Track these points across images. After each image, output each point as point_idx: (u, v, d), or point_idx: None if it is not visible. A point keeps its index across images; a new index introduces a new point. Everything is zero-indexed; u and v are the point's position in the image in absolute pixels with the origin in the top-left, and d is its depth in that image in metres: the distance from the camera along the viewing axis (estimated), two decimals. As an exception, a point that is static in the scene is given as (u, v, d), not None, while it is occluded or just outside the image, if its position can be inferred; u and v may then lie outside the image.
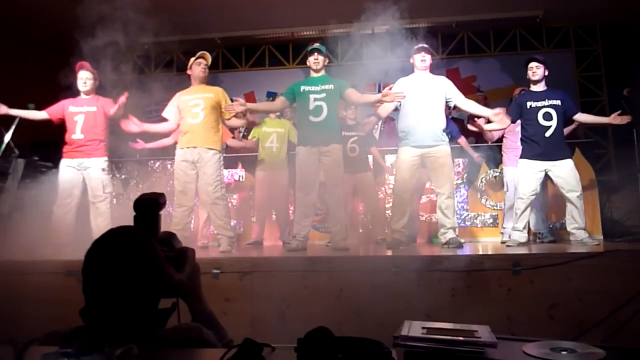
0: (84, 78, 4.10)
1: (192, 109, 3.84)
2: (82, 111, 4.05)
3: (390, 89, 3.56)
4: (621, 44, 6.86)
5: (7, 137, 4.21)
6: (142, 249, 1.06)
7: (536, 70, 3.85)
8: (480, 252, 3.42)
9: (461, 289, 2.67)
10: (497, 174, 4.97)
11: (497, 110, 3.76)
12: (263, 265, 2.78)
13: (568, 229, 3.83)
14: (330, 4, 6.21)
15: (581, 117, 3.95)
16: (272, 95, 5.42)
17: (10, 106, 4.09)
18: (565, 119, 3.89)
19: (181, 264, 1.17)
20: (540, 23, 6.97)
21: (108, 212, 4.04)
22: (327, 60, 3.95)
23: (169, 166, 5.42)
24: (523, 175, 3.84)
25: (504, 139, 4.70)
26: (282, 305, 2.68)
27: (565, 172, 3.74)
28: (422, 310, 2.60)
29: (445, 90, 3.83)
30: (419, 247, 4.13)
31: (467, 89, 6.98)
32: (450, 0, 5.89)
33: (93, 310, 1.03)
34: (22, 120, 4.17)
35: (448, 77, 6.50)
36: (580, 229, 3.75)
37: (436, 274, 2.71)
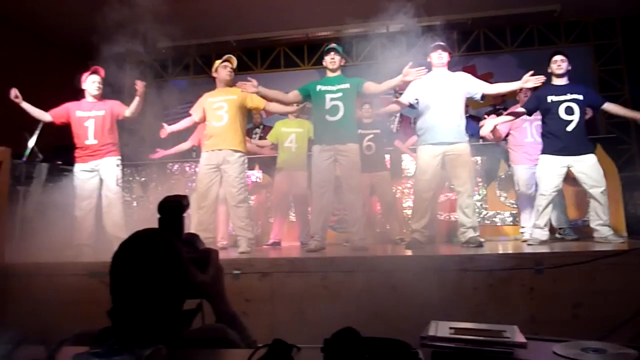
0: (97, 81, 4.16)
1: (216, 111, 3.88)
2: (91, 116, 4.11)
3: (411, 67, 3.52)
4: (642, 37, 6.71)
5: (32, 142, 4.32)
6: (167, 251, 1.08)
7: (561, 64, 3.79)
8: (501, 251, 3.38)
9: (483, 289, 2.64)
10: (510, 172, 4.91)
11: (526, 76, 3.66)
12: (282, 266, 2.79)
13: (592, 225, 3.75)
14: (345, 4, 6.21)
15: (609, 106, 3.84)
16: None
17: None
18: (591, 111, 3.82)
19: (205, 265, 1.18)
20: (557, 17, 6.86)
21: (121, 207, 4.11)
22: (344, 61, 3.95)
23: (187, 169, 5.48)
24: (545, 172, 3.77)
25: (509, 137, 4.61)
26: (301, 305, 2.68)
27: (588, 168, 3.67)
28: (444, 311, 2.57)
29: (466, 86, 3.79)
30: (438, 246, 4.09)
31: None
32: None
33: (121, 311, 1.05)
34: (46, 126, 4.27)
35: (465, 74, 6.48)
36: (605, 225, 3.68)
37: (457, 274, 2.68)
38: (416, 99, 3.81)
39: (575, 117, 3.71)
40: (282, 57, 7.74)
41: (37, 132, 4.28)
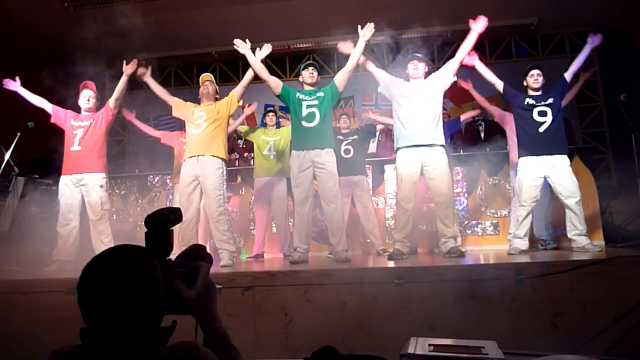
0: (87, 96, 4.19)
1: (196, 120, 3.91)
2: (81, 125, 4.12)
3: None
4: (616, 49, 6.91)
5: (7, 155, 4.23)
6: (136, 268, 1.05)
7: (537, 78, 3.91)
8: (482, 261, 3.41)
9: (464, 299, 2.65)
10: (497, 181, 4.97)
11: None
12: (265, 279, 2.77)
13: (569, 235, 3.83)
14: (326, 16, 6.26)
15: (568, 74, 3.97)
16: (270, 107, 5.42)
17: (12, 124, 4.12)
18: (564, 94, 3.99)
19: (193, 280, 1.16)
20: (534, 30, 7.03)
21: (109, 230, 4.05)
22: (319, 77, 4.07)
23: (168, 181, 5.42)
24: (523, 178, 3.85)
25: (509, 140, 4.67)
26: (284, 320, 2.66)
27: (563, 178, 3.75)
28: (425, 322, 2.58)
29: (441, 82, 3.87)
30: (420, 257, 4.11)
31: (464, 97, 7.02)
32: (445, 9, 5.94)
33: (91, 330, 1.02)
34: (21, 138, 4.19)
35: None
36: (582, 235, 3.75)
37: (439, 285, 2.69)
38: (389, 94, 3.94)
39: (548, 119, 3.82)
40: (264, 68, 7.74)
41: (12, 145, 4.20)
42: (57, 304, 2.81)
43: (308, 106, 3.84)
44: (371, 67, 3.99)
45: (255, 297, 2.73)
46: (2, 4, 5.51)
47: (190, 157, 3.82)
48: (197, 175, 3.78)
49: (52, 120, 4.16)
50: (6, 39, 6.39)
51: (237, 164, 6.05)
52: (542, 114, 3.86)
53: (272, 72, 7.50)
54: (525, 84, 3.98)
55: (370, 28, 3.79)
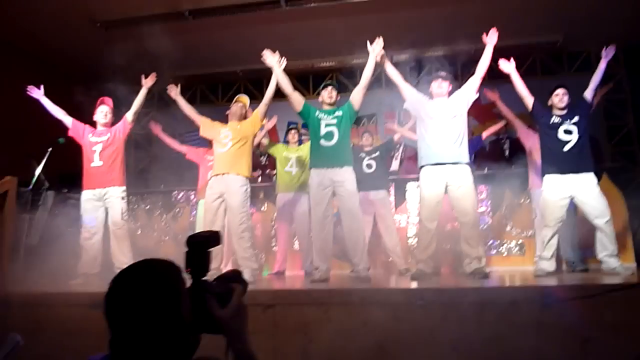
0: (105, 112, 4.32)
1: (222, 139, 3.99)
2: (99, 141, 4.25)
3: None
4: (646, 67, 6.76)
5: (38, 170, 4.35)
6: (160, 282, 1.08)
7: (563, 97, 3.85)
8: (508, 283, 3.33)
9: (489, 322, 2.59)
10: (522, 200, 4.88)
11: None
12: (286, 297, 2.76)
13: (598, 257, 3.71)
14: (349, 35, 6.32)
15: (588, 93, 3.91)
16: (293, 125, 5.46)
17: (43, 139, 4.26)
18: (588, 113, 3.90)
19: (227, 300, 1.19)
20: (560, 48, 6.94)
21: (128, 241, 4.13)
22: (339, 96, 4.12)
23: (192, 197, 5.49)
24: (548, 198, 3.76)
25: (528, 158, 4.59)
26: (304, 339, 2.63)
27: (591, 198, 3.65)
28: (449, 345, 2.53)
29: (464, 99, 3.86)
30: (444, 278, 4.04)
31: (488, 115, 6.95)
32: (468, 27, 5.92)
33: (118, 341, 1.05)
34: (53, 153, 4.32)
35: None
36: (612, 256, 3.63)
37: (462, 307, 2.64)
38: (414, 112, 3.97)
39: (574, 138, 3.76)
40: (288, 86, 7.83)
41: (44, 160, 4.32)
42: (82, 317, 2.85)
43: (327, 125, 3.87)
44: (399, 80, 3.97)
45: (275, 316, 2.72)
46: (34, 23, 5.73)
47: (216, 175, 3.90)
48: (222, 192, 3.83)
49: (70, 133, 4.30)
50: (38, 58, 6.64)
51: (259, 180, 6.09)
52: (568, 132, 3.80)
53: (297, 90, 7.64)
54: (550, 102, 3.93)
55: (379, 43, 3.82)
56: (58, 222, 4.40)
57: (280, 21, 6.00)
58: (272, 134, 6.88)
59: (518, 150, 5.52)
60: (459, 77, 7.11)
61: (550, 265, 3.72)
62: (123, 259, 4.05)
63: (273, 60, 3.98)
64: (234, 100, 4.24)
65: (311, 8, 5.65)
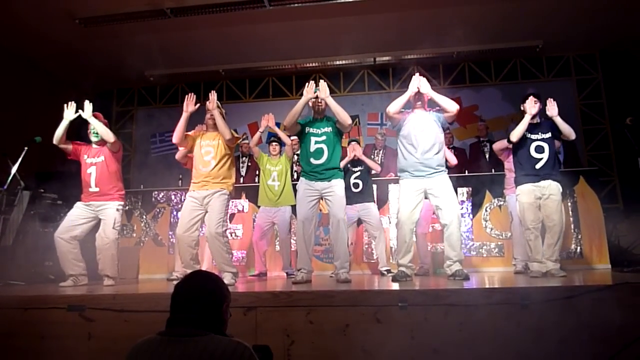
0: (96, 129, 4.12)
1: (204, 156, 3.90)
2: (93, 162, 4.12)
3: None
4: (622, 72, 6.93)
5: (14, 169, 4.24)
6: (213, 284, 1.60)
7: (534, 105, 3.91)
8: (487, 285, 3.37)
9: (469, 323, 2.61)
10: (502, 202, 4.95)
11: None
12: (267, 300, 2.74)
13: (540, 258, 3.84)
14: (333, 36, 6.33)
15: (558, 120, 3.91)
16: (273, 137, 5.41)
17: (18, 138, 4.14)
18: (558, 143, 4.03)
19: None
20: (540, 52, 7.08)
21: (115, 250, 4.06)
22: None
23: (172, 197, 5.42)
24: (523, 205, 3.88)
25: (505, 165, 4.67)
26: (286, 341, 2.62)
27: (552, 208, 3.81)
28: (430, 345, 2.54)
29: (437, 118, 3.88)
30: (424, 280, 4.06)
31: (469, 118, 7.05)
32: (451, 31, 6.00)
33: (175, 320, 1.49)
34: (29, 152, 4.20)
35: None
36: (549, 260, 3.79)
37: (443, 308, 2.66)
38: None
39: (545, 156, 3.87)
40: (271, 87, 7.82)
41: (19, 160, 4.21)
42: (59, 320, 2.79)
43: (316, 142, 3.86)
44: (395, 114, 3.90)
45: (257, 318, 2.70)
46: (12, 19, 5.59)
47: (199, 190, 3.84)
48: (204, 198, 3.81)
49: (69, 154, 4.14)
50: (17, 55, 6.48)
51: (241, 181, 6.06)
52: (539, 149, 3.90)
53: (278, 91, 7.65)
54: (522, 109, 3.98)
55: (324, 87, 3.84)
56: (34, 223, 4.31)
57: (263, 21, 5.98)
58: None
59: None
60: (440, 78, 7.21)
61: (543, 267, 3.81)
62: (105, 266, 3.99)
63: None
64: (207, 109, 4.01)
65: (295, 8, 5.64)
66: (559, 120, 3.86)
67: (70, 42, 6.05)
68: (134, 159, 7.63)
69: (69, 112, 4.04)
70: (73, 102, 4.05)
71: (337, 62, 7.07)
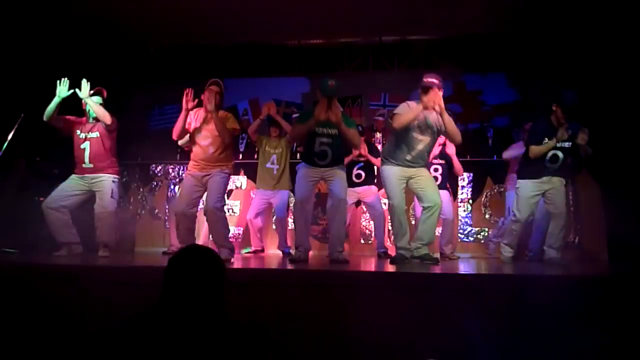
0: (97, 103, 3.98)
1: (201, 141, 3.81)
2: (87, 138, 3.99)
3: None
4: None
5: (9, 136, 4.14)
6: (214, 262, 1.49)
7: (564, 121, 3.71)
8: (484, 271, 3.37)
9: (460, 307, 2.59)
10: (502, 189, 4.92)
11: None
12: (262, 277, 2.72)
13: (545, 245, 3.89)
14: (340, 13, 6.17)
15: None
16: (276, 104, 5.31)
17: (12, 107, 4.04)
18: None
19: None
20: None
21: (111, 220, 4.02)
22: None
23: (170, 170, 5.38)
24: (521, 199, 3.86)
25: (510, 163, 4.61)
26: (281, 320, 2.60)
27: (559, 198, 3.80)
28: (424, 326, 2.53)
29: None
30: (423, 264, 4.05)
31: (472, 103, 6.94)
32: (428, 15, 5.80)
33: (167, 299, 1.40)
34: (25, 120, 4.11)
35: (454, 90, 6.49)
36: (552, 248, 3.82)
37: (437, 292, 2.64)
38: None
39: (556, 166, 3.79)
40: (273, 63, 7.65)
41: (15, 126, 4.11)
42: (51, 291, 2.76)
43: (321, 143, 3.73)
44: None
45: (253, 295, 2.68)
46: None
47: (199, 171, 3.79)
48: (203, 177, 3.78)
49: (60, 127, 3.99)
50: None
51: (240, 157, 6.00)
52: (554, 159, 3.78)
53: (281, 66, 7.45)
54: (553, 109, 3.75)
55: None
56: (28, 192, 4.26)
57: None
58: (255, 112, 6.79)
59: (502, 139, 5.56)
60: (420, 65, 6.94)
61: (511, 252, 3.94)
62: (103, 235, 3.96)
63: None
64: (207, 85, 3.82)
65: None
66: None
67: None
68: (132, 131, 7.52)
69: (62, 89, 3.84)
70: (66, 78, 3.87)
71: (342, 40, 6.92)
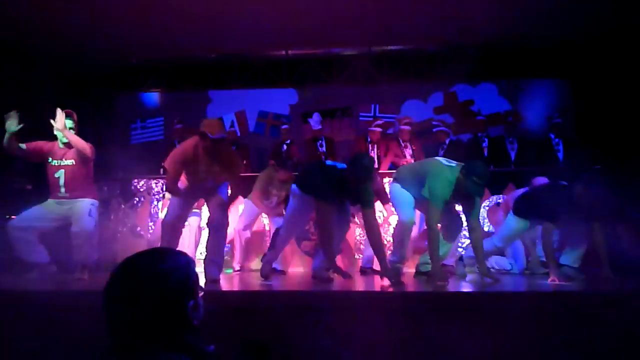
0: (68, 127, 3.67)
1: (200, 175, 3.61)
2: (61, 165, 3.70)
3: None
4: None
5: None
6: (168, 275, 1.04)
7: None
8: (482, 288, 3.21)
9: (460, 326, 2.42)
10: (501, 200, 4.76)
11: None
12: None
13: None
14: (329, 23, 6.04)
15: None
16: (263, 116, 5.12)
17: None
18: None
19: None
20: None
21: (92, 236, 3.75)
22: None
23: (153, 185, 5.13)
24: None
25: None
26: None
27: None
28: (412, 348, 2.40)
29: None
30: (409, 279, 3.87)
31: (465, 113, 6.84)
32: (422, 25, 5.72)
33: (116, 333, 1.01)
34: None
35: (445, 101, 6.39)
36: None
37: (432, 311, 2.49)
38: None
39: None
40: (260, 74, 7.48)
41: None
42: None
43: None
44: None
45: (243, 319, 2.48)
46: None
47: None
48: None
49: (31, 158, 3.73)
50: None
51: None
52: None
53: (269, 78, 7.27)
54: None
55: None
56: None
57: (254, 2, 5.65)
58: (242, 124, 6.61)
59: (497, 149, 5.45)
60: (410, 75, 6.83)
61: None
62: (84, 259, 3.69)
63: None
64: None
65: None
66: None
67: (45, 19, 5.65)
68: (113, 146, 7.25)
69: (10, 124, 3.43)
70: (15, 111, 3.47)
71: (331, 50, 6.79)
